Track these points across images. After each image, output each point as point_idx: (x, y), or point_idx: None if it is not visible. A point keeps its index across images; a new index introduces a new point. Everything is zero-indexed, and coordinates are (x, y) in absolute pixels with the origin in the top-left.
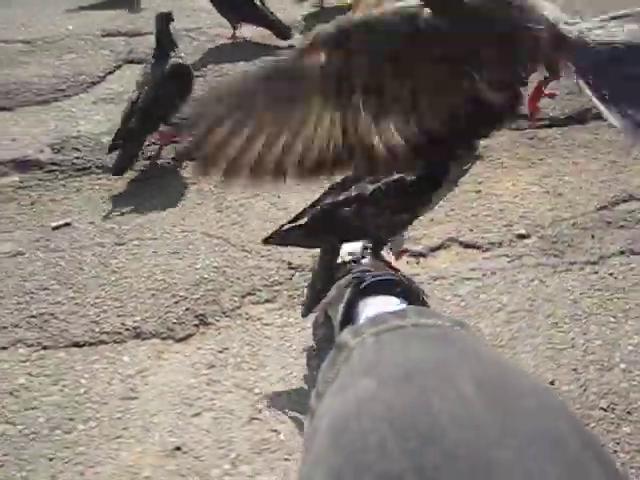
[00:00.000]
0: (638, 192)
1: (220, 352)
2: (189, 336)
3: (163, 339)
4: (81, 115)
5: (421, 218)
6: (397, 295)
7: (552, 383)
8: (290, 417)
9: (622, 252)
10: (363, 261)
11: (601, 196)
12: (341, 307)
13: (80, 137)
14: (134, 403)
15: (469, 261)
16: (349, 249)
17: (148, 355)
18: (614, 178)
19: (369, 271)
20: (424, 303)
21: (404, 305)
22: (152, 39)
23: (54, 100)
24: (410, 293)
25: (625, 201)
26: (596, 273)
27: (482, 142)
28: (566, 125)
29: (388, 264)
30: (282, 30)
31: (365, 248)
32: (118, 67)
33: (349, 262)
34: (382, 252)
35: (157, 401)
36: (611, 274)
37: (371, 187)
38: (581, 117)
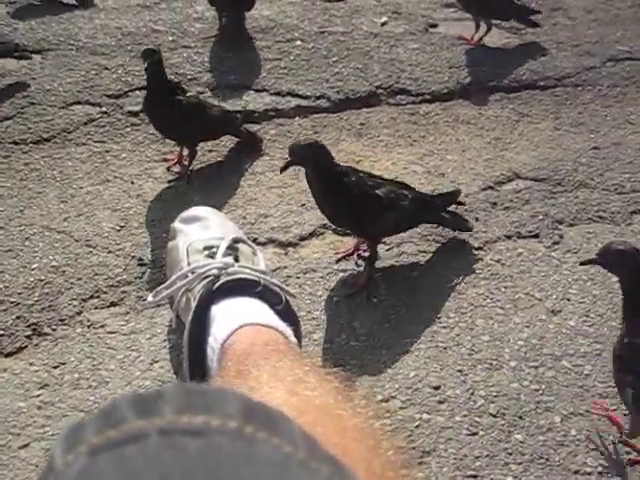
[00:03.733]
0: (524, 171)
1: (55, 368)
2: (20, 349)
3: None
4: None
5: (291, 203)
6: (255, 296)
7: (437, 388)
8: None
9: (508, 236)
10: (218, 256)
11: (485, 175)
12: (190, 315)
13: None
14: None
15: (343, 251)
16: (206, 241)
17: None
18: (499, 156)
19: (224, 268)
20: (288, 305)
21: (262, 308)
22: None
23: None
24: (271, 294)
25: (510, 180)
26: (481, 260)
27: (359, 119)
28: (449, 100)
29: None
30: None
31: (235, 242)
32: None
33: (206, 255)
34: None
35: None
36: (497, 260)
37: None
38: (464, 91)
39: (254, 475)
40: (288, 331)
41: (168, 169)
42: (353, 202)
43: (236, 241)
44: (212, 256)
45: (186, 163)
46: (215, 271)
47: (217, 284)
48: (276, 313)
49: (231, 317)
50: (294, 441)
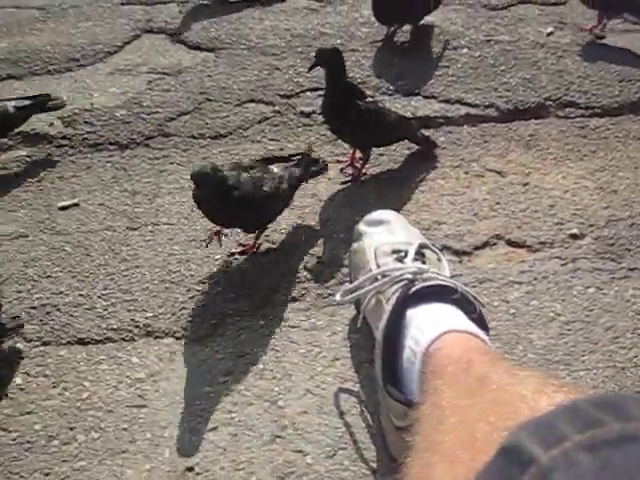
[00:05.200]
0: None
1: (240, 357)
2: (205, 337)
3: (177, 339)
4: (95, 87)
5: (463, 212)
6: (451, 303)
7: None
8: (319, 437)
9: None
10: (408, 260)
11: None
12: (384, 317)
13: (93, 110)
14: (143, 412)
15: (517, 262)
16: (393, 245)
17: (160, 357)
18: None
19: (418, 273)
20: (481, 314)
21: (462, 316)
22: (173, 8)
23: (67, 70)
24: (466, 302)
25: None
26: None
27: (527, 131)
28: (619, 115)
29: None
30: None
31: (421, 248)
32: (136, 37)
33: (395, 259)
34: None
35: (168, 411)
36: None
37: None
38: (635, 107)
39: None
40: (488, 340)
41: (341, 170)
42: (354, 118)
43: (422, 247)
44: (400, 260)
45: (358, 165)
46: (409, 275)
47: (414, 289)
48: (471, 321)
49: (434, 322)
50: None
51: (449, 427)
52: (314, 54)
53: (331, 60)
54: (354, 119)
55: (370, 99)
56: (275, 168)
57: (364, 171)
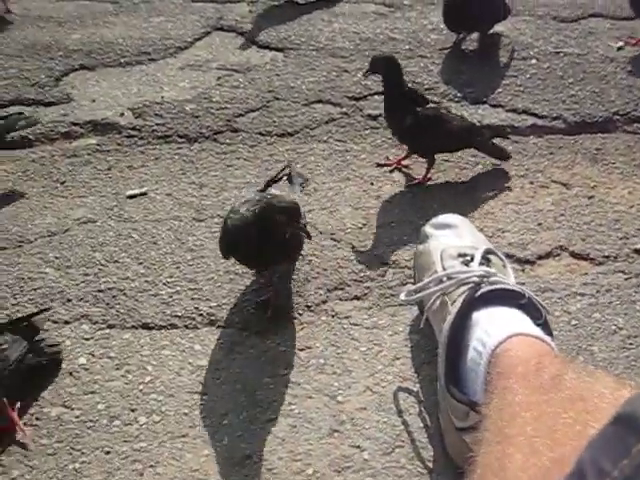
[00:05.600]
0: None
1: (301, 350)
2: (267, 329)
3: (239, 330)
4: (166, 80)
5: (527, 221)
6: (518, 308)
7: None
8: (376, 434)
9: None
10: (474, 264)
11: None
12: (450, 318)
13: (163, 103)
14: (203, 399)
15: (580, 274)
16: (459, 249)
17: (221, 346)
18: None
19: (485, 277)
20: (546, 321)
21: (528, 321)
22: (244, 7)
23: (138, 63)
24: (533, 308)
25: None
26: None
27: (594, 144)
28: None
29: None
30: None
31: (487, 253)
32: (207, 34)
33: (461, 262)
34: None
35: (228, 399)
36: None
37: None
38: None
39: None
40: (555, 346)
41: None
42: (411, 124)
43: (488, 252)
44: (466, 264)
45: (408, 167)
46: (476, 279)
47: (480, 291)
48: (537, 327)
49: (500, 325)
50: None
51: (523, 421)
52: (370, 60)
53: (386, 67)
54: (411, 125)
55: (432, 105)
56: (273, 190)
57: (429, 176)
